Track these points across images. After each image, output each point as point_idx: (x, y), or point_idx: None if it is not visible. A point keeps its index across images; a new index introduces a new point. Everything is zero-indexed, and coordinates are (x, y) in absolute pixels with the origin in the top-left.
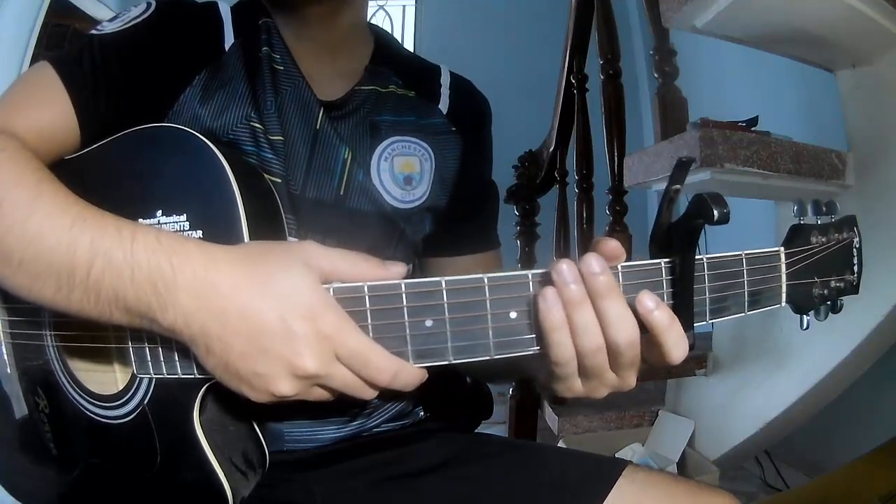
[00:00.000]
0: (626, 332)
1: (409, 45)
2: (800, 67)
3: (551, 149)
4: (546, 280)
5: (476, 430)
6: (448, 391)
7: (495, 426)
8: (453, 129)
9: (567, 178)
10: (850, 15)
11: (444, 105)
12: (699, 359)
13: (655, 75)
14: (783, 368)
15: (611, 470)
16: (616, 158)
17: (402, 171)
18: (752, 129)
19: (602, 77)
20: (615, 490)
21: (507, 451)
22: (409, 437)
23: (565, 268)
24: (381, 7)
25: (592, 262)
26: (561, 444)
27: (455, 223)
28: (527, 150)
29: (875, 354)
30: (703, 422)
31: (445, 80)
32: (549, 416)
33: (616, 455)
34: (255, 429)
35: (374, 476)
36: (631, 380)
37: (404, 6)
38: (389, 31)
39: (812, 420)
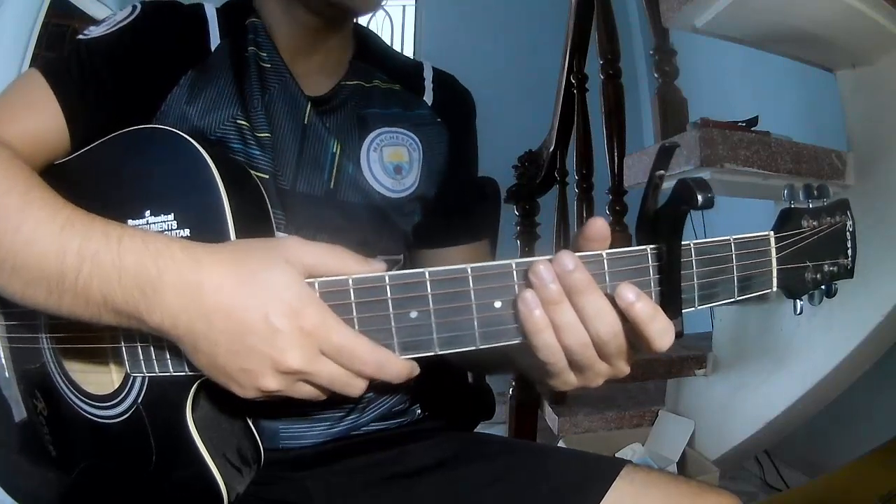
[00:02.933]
0: (608, 325)
1: (409, 45)
2: (800, 67)
3: (551, 149)
4: (527, 279)
5: (476, 430)
6: (447, 390)
7: (495, 426)
8: (439, 120)
9: (567, 178)
10: (850, 15)
11: (428, 97)
12: (699, 359)
13: (655, 75)
14: (783, 368)
15: (609, 470)
16: (616, 158)
17: (391, 160)
18: (752, 129)
19: (602, 77)
20: (614, 490)
21: (505, 451)
22: (406, 437)
23: (542, 268)
24: (381, 7)
25: (566, 259)
26: (561, 443)
27: (443, 213)
28: (527, 150)
29: (875, 354)
30: (703, 422)
31: (429, 74)
32: (549, 416)
33: (616, 455)
34: (249, 425)
35: (370, 475)
36: (624, 367)
37: (404, 6)
38: (388, 40)
39: (812, 420)
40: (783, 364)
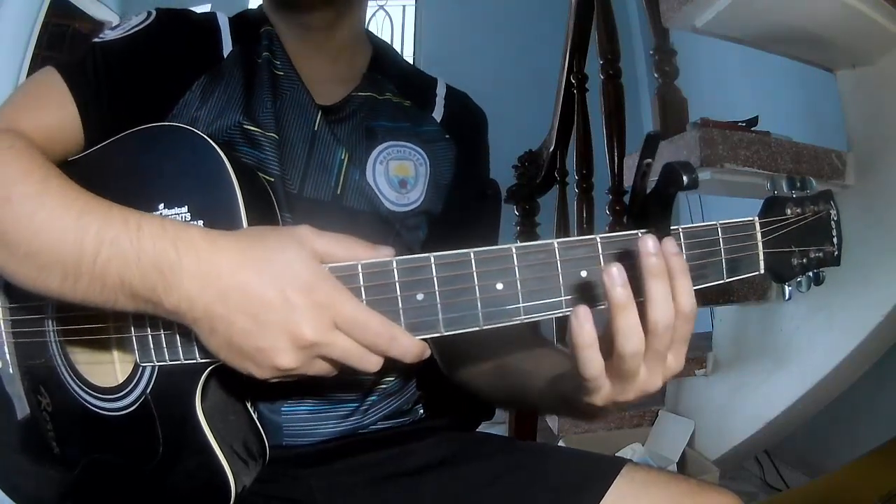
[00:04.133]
0: (692, 306)
1: (409, 46)
2: (800, 67)
3: (551, 149)
4: (575, 294)
5: (476, 430)
6: (449, 390)
7: (496, 426)
8: (447, 136)
9: (567, 178)
10: (850, 15)
11: (438, 113)
12: (699, 359)
13: (655, 75)
14: (783, 368)
15: (609, 469)
16: (616, 158)
17: (396, 174)
18: (752, 129)
19: (602, 77)
20: (614, 489)
21: (506, 451)
22: (408, 436)
23: (615, 271)
24: (381, 7)
25: (671, 244)
26: (561, 443)
27: (449, 229)
28: (527, 150)
29: (875, 354)
30: (703, 422)
31: (441, 91)
32: (549, 416)
33: (616, 455)
34: (254, 420)
35: (373, 474)
36: (659, 379)
37: (404, 6)
38: (388, 40)
39: (812, 420)
40: (783, 364)
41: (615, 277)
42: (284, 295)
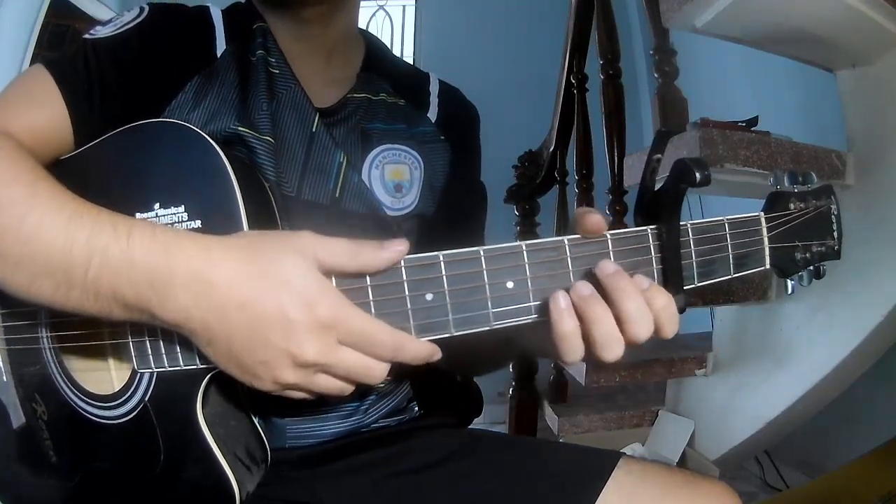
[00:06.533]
0: (647, 328)
1: (409, 46)
2: (800, 67)
3: (551, 149)
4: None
5: (470, 426)
6: (441, 388)
7: (495, 426)
8: (442, 137)
9: (567, 178)
10: (850, 15)
11: (433, 113)
12: (699, 359)
13: (655, 75)
14: (783, 368)
15: (607, 461)
16: (616, 158)
17: (392, 178)
18: (752, 129)
19: (602, 77)
20: (612, 482)
21: (505, 446)
22: (407, 433)
23: (561, 299)
24: (381, 7)
25: (608, 265)
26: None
27: (443, 231)
28: (527, 150)
29: (875, 354)
30: (703, 422)
31: (434, 88)
32: (549, 416)
33: None
34: (255, 424)
35: (375, 473)
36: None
37: (404, 6)
38: (388, 40)
39: (812, 420)
40: (783, 364)
41: (562, 309)
42: (284, 312)
